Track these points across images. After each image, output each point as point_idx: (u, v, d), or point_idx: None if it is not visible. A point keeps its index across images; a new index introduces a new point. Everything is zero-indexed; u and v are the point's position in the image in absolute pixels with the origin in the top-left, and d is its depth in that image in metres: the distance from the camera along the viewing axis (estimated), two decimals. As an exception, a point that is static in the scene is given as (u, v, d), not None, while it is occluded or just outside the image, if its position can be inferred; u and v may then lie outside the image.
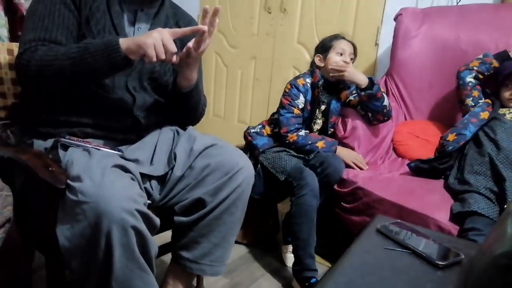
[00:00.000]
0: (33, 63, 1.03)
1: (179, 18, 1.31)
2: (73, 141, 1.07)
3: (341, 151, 1.76)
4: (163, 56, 1.00)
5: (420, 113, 2.10)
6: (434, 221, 1.37)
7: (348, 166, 1.72)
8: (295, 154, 1.74)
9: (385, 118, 1.84)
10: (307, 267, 1.54)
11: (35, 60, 1.03)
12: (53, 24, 1.08)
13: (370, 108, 1.79)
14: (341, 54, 1.78)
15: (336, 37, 1.83)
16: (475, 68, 1.76)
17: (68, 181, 0.93)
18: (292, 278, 1.60)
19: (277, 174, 1.65)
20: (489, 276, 0.54)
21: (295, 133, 1.74)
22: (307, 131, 1.79)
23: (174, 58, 1.04)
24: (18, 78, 1.12)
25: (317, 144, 1.73)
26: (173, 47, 1.01)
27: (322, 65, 1.81)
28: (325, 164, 1.63)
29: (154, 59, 0.99)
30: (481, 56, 1.77)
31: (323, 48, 1.82)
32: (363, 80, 1.74)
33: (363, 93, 1.75)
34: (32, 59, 1.03)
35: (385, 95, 1.79)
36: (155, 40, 0.98)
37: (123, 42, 1.01)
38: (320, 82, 1.78)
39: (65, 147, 1.06)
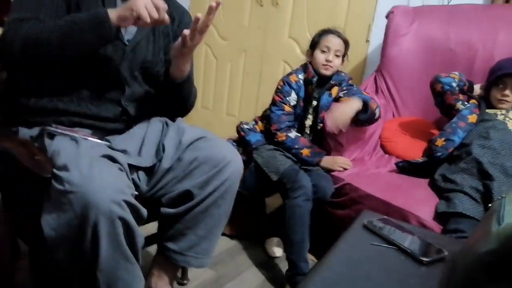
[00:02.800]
0: (17, 38, 1.01)
1: (172, 9, 1.29)
2: (60, 130, 1.05)
3: (327, 160, 1.74)
4: (155, 15, 0.99)
5: (408, 110, 2.12)
6: (418, 218, 1.38)
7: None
8: (290, 155, 1.70)
9: (374, 123, 1.81)
10: (301, 272, 1.51)
11: (20, 36, 1.01)
12: (42, 4, 1.06)
13: (363, 121, 1.73)
14: (325, 52, 1.73)
15: (325, 32, 1.77)
16: (455, 79, 1.73)
17: (55, 170, 0.92)
18: (278, 274, 1.60)
19: (270, 173, 1.61)
20: (474, 273, 0.55)
21: (285, 133, 1.71)
22: (298, 134, 1.75)
23: (166, 16, 1.04)
24: (1, 58, 1.09)
25: (302, 151, 1.70)
26: (163, 3, 1.01)
27: (310, 60, 1.79)
28: (314, 188, 1.59)
29: (148, 19, 0.99)
30: (457, 74, 1.74)
31: (313, 42, 1.79)
32: (356, 108, 1.64)
33: (360, 119, 1.68)
34: (16, 35, 1.01)
35: (379, 107, 1.74)
36: (145, 0, 0.98)
37: (111, 12, 1.00)
38: (315, 79, 1.75)
39: (52, 136, 1.04)
